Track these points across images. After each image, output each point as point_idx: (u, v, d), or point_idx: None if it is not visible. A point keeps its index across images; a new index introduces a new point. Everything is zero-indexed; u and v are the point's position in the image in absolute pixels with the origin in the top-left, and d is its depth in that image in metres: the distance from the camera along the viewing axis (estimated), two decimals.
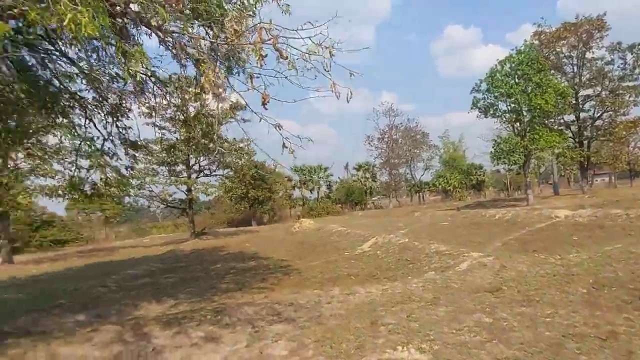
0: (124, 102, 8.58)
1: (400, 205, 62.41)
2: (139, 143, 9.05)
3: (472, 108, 29.18)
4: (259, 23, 4.02)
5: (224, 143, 31.18)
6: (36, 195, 27.97)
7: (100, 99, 8.17)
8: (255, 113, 4.48)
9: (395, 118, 62.72)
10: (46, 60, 8.05)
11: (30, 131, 12.58)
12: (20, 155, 25.16)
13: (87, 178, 8.44)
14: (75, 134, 8.37)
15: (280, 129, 4.55)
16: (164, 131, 30.09)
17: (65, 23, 3.11)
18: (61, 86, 8.43)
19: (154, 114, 26.08)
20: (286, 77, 4.36)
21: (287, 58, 4.14)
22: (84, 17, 3.09)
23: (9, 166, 24.64)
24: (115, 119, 8.39)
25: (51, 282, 17.51)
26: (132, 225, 56.80)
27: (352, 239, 19.97)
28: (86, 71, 7.40)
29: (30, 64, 8.71)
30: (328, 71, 4.24)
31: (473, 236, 15.94)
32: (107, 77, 7.71)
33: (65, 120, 8.92)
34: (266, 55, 4.12)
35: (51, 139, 9.73)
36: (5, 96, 7.00)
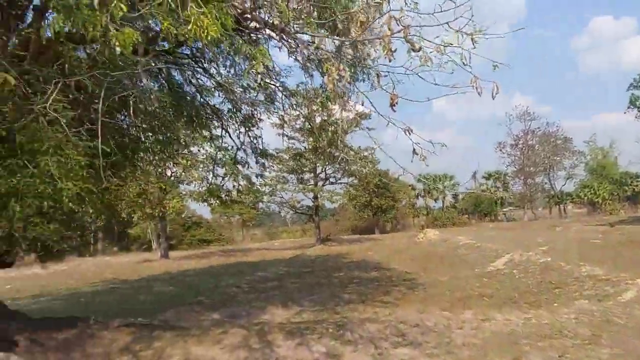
0: (255, 112, 8.84)
1: (536, 218, 56.21)
2: (269, 151, 9.21)
3: (629, 107, 24.84)
4: (389, 11, 3.53)
5: (349, 152, 31.39)
6: (186, 200, 31.46)
7: (235, 109, 8.49)
8: (382, 116, 4.02)
9: (531, 122, 56.80)
10: (191, 77, 8.66)
11: (182, 143, 13.80)
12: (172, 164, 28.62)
13: (223, 185, 8.83)
14: (213, 144, 8.82)
15: (410, 134, 3.99)
16: (293, 141, 31.27)
17: (189, 27, 3.02)
18: (203, 100, 8.99)
19: (284, 125, 27.02)
20: (417, 74, 3.80)
21: (419, 50, 3.57)
22: (207, 19, 2.97)
23: (165, 174, 28.01)
24: (247, 128, 8.66)
25: (196, 277, 19.22)
26: (265, 228, 60.51)
27: (482, 253, 18.24)
28: (222, 83, 7.71)
29: (178, 81, 9.49)
30: (467, 65, 3.57)
31: (637, 258, 13.24)
32: (240, 89, 7.98)
33: (205, 132, 9.51)
34: (395, 50, 3.61)
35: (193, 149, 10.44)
36: (157, 111, 7.59)
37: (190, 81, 8.78)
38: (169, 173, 27.89)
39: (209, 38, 3.07)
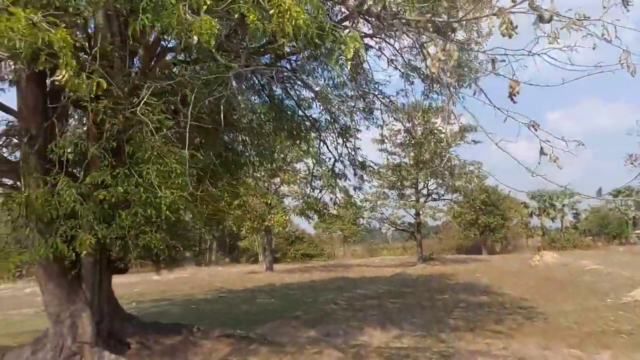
0: (353, 122, 8.51)
1: None
2: (367, 163, 8.75)
3: None
4: None
5: (453, 166, 29.62)
6: (289, 214, 32.25)
7: (332, 120, 8.23)
8: (499, 109, 3.33)
9: None
10: (289, 89, 8.63)
11: (283, 156, 13.95)
12: (277, 179, 29.42)
13: (320, 198, 8.58)
14: (311, 157, 8.64)
15: (536, 129, 3.22)
16: (394, 156, 30.45)
17: (273, 17, 2.74)
18: (302, 113, 8.89)
19: (384, 139, 26.19)
20: (537, 54, 3.03)
21: (550, 21, 2.83)
22: (296, 9, 2.66)
23: (269, 189, 28.98)
24: (345, 139, 8.32)
25: (298, 291, 19.29)
26: (365, 245, 59.78)
27: (614, 281, 15.60)
28: (319, 92, 7.51)
29: (279, 96, 9.54)
30: (610, 41, 2.75)
31: None
32: (337, 98, 7.72)
33: (304, 145, 9.40)
34: (516, 27, 2.92)
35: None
36: (258, 126, 7.60)
37: (289, 93, 8.76)
38: (271, 188, 28.97)
39: (295, 24, 2.75)
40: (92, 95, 5.13)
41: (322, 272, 29.47)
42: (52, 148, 4.98)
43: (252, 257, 48.91)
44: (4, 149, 6.76)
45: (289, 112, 8.92)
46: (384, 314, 11.37)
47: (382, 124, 8.59)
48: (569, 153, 3.13)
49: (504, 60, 3.33)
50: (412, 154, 30.38)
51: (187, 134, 4.00)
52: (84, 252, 5.13)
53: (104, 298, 7.00)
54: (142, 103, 4.35)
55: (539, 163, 3.28)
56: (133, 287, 22.02)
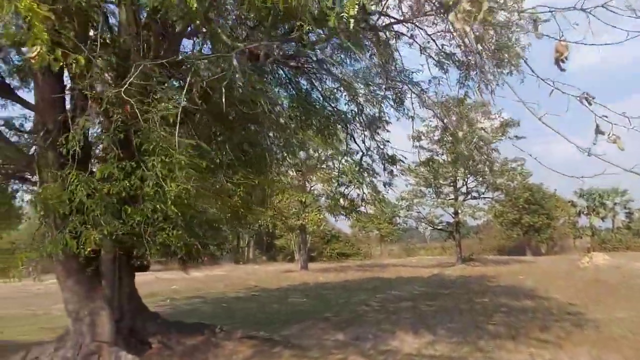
0: (382, 114, 7.97)
1: None
2: (397, 157, 8.18)
3: None
4: None
5: (494, 163, 28.27)
6: (324, 213, 31.86)
7: (359, 110, 7.73)
8: (541, 80, 2.77)
9: None
10: (314, 80, 8.21)
11: (316, 155, 13.49)
12: (314, 177, 29.05)
13: (347, 195, 8.11)
14: (338, 150, 8.17)
15: (590, 102, 2.63)
16: (430, 153, 29.41)
17: None
18: (328, 105, 8.43)
19: (422, 136, 25.30)
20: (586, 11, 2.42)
21: None
22: None
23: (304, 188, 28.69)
24: (373, 131, 7.80)
25: (331, 291, 18.87)
26: (403, 244, 58.59)
27: None
28: (344, 79, 7.04)
29: (304, 88, 9.13)
30: None
31: None
32: (365, 87, 7.23)
33: (334, 141, 8.95)
34: None
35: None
36: (277, 117, 7.24)
37: (314, 84, 8.33)
38: (306, 186, 28.54)
39: None
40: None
41: (357, 272, 28.93)
42: (62, 141, 4.81)
43: (288, 256, 49.02)
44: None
45: (316, 106, 8.52)
46: (418, 318, 10.75)
47: (413, 115, 8.00)
48: (635, 131, 2.51)
49: (549, 20, 2.76)
50: (449, 150, 29.25)
51: (188, 124, 3.67)
52: (89, 248, 4.93)
53: (125, 296, 6.83)
54: (151, 94, 4.06)
55: (594, 144, 2.68)
56: (171, 283, 22.34)
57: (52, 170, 5.06)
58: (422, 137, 27.81)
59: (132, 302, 7.41)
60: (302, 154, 10.36)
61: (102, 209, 4.61)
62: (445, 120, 8.06)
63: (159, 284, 21.37)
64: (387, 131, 8.54)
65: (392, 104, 8.10)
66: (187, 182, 4.22)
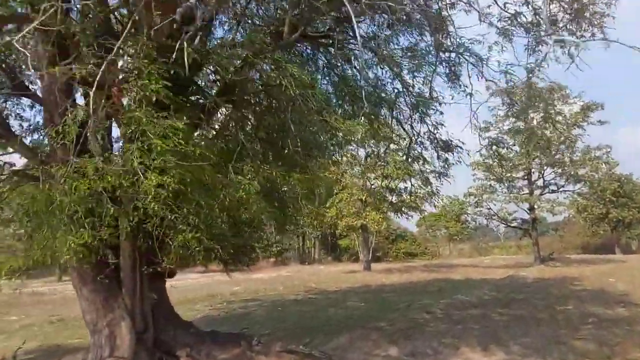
0: (433, 91, 6.75)
1: None
2: (453, 143, 6.90)
3: None
4: None
5: (574, 152, 25.19)
6: (386, 211, 30.37)
7: (404, 88, 6.58)
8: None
9: None
10: (351, 57, 7.19)
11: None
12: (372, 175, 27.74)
13: (395, 187, 7.00)
14: (382, 136, 7.07)
15: None
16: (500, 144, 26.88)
17: None
18: (369, 87, 7.36)
19: (490, 127, 23.12)
20: None
21: None
22: None
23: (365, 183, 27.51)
24: (421, 113, 6.60)
25: (392, 293, 17.61)
26: (474, 243, 55.24)
27: None
28: (386, 53, 5.96)
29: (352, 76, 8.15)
30: None
31: None
32: (409, 61, 6.10)
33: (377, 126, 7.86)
34: None
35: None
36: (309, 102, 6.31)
37: (352, 64, 7.30)
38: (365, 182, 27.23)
39: None
40: None
41: (422, 273, 27.22)
42: (52, 134, 4.26)
43: (353, 256, 48.05)
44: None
45: (363, 89, 7.50)
46: (487, 329, 9.28)
47: (471, 91, 6.69)
48: None
49: None
50: (523, 140, 26.49)
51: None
52: (66, 257, 4.30)
53: (149, 304, 6.25)
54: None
55: None
56: (233, 285, 22.34)
57: (44, 167, 4.52)
58: (490, 128, 25.46)
59: (162, 311, 6.87)
60: (360, 151, 9.36)
61: (80, 209, 3.96)
62: (511, 96, 6.66)
63: (221, 286, 21.39)
64: (440, 113, 7.31)
65: (446, 79, 6.85)
66: (170, 172, 3.43)
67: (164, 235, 5.60)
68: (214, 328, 11.00)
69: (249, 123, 7.34)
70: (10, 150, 5.41)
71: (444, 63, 6.85)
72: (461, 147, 7.11)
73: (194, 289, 20.39)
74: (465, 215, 35.25)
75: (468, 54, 6.34)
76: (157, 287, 6.71)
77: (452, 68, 6.86)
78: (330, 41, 6.80)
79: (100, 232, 4.24)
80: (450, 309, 12.13)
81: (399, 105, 6.95)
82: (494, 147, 8.77)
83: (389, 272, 28.60)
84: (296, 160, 7.24)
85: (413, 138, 6.86)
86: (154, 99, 3.55)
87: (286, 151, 6.84)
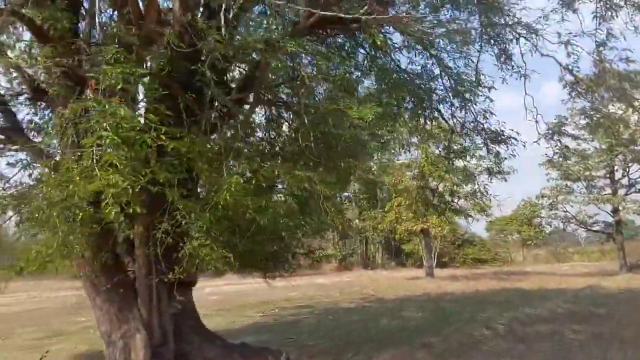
0: (479, 72, 5.74)
1: None
2: (505, 134, 5.83)
3: None
4: None
5: None
6: (451, 215, 28.54)
7: (442, 72, 5.67)
8: None
9: None
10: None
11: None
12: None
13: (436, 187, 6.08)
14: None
15: None
16: (578, 141, 24.20)
17: None
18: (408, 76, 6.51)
19: (564, 122, 20.84)
20: None
21: None
22: None
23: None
24: (462, 98, 5.63)
25: (454, 303, 16.26)
26: (550, 248, 50.80)
27: None
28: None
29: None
30: None
31: None
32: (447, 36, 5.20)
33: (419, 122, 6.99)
34: None
35: None
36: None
37: (389, 53, 6.50)
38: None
39: None
40: None
41: (491, 281, 25.13)
42: (44, 137, 4.00)
43: (418, 261, 46.21)
44: None
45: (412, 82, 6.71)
46: (556, 349, 7.93)
47: (524, 72, 5.60)
48: None
49: None
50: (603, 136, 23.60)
51: None
52: (32, 267, 3.95)
53: (168, 315, 5.89)
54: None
55: None
56: (291, 290, 22.06)
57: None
58: (565, 122, 22.91)
59: (187, 321, 6.50)
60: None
61: (57, 214, 3.59)
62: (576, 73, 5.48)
63: (277, 292, 21.15)
64: (490, 100, 6.26)
65: (495, 60, 5.82)
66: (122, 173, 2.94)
67: (177, 242, 5.23)
68: (260, 336, 10.66)
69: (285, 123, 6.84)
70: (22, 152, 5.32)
71: (491, 41, 5.84)
72: (515, 139, 6.02)
73: (248, 294, 20.36)
74: (539, 219, 32.26)
75: (519, 26, 5.30)
76: (182, 296, 6.34)
77: (502, 46, 5.82)
78: (359, 26, 6.08)
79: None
80: (515, 323, 10.71)
81: (437, 93, 6.03)
82: (556, 137, 7.42)
83: (453, 279, 26.84)
84: (335, 161, 6.63)
85: (455, 129, 5.90)
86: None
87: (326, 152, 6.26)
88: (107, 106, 3.02)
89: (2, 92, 5.51)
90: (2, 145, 5.17)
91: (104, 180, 3.05)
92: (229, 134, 5.82)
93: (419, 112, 6.73)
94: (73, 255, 4.29)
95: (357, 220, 45.42)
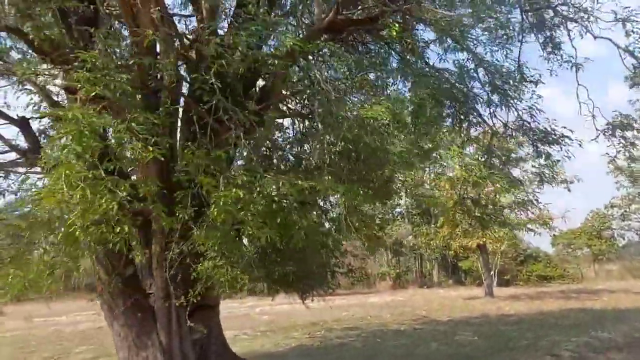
0: (522, 65, 4.98)
1: None
2: (556, 133, 5.04)
3: None
4: None
5: None
6: (510, 229, 26.54)
7: (477, 66, 5.03)
8: None
9: None
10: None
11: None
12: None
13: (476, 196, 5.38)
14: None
15: None
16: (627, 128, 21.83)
17: None
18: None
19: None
20: None
21: None
22: None
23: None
24: (505, 95, 4.94)
25: (513, 326, 14.82)
26: (625, 263, 46.09)
27: None
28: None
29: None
30: None
31: None
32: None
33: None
34: None
35: None
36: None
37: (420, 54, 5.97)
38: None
39: None
40: None
41: (557, 300, 22.90)
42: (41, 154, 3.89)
43: (477, 279, 43.61)
44: None
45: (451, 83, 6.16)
46: None
47: (574, 61, 4.82)
48: None
49: None
50: None
51: None
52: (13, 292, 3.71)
53: (189, 341, 5.58)
54: None
55: None
56: (343, 310, 21.41)
57: None
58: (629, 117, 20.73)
59: (212, 346, 6.17)
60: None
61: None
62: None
63: (328, 312, 20.53)
64: (537, 96, 5.47)
65: (541, 49, 5.10)
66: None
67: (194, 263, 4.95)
68: None
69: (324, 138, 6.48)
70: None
71: (534, 28, 5.13)
72: (569, 137, 5.16)
73: (298, 314, 19.91)
74: (611, 231, 29.34)
75: (566, 7, 4.57)
76: (205, 319, 6.04)
77: (548, 33, 5.09)
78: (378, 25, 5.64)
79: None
80: (584, 349, 9.41)
81: (473, 92, 5.37)
82: (618, 133, 6.34)
83: (515, 299, 24.81)
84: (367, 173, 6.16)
85: (495, 129, 5.20)
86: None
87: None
88: (71, 114, 2.81)
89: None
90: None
91: (64, 195, 2.81)
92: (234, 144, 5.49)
93: (460, 114, 6.11)
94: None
95: (410, 237, 43.93)
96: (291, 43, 4.66)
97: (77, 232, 3.52)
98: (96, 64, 3.10)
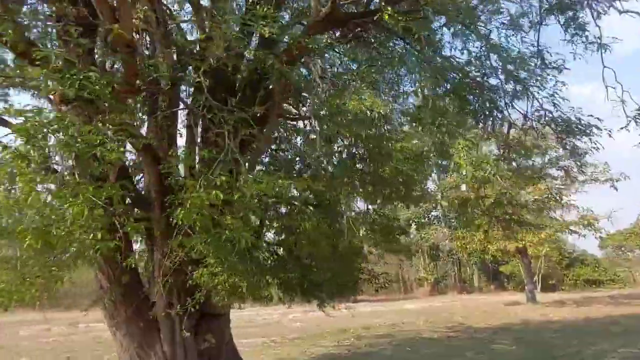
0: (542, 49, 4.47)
1: None
2: (582, 123, 4.48)
3: None
4: None
5: None
6: (553, 232, 25.02)
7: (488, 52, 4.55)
8: None
9: None
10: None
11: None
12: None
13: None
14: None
15: None
16: None
17: None
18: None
19: None
20: None
21: None
22: None
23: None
24: (519, 82, 4.43)
25: (556, 334, 13.77)
26: None
27: None
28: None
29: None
30: None
31: None
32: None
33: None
34: None
35: None
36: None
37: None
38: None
39: None
40: None
41: (605, 307, 21.26)
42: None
43: (520, 284, 41.58)
44: None
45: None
46: None
47: (600, 42, 4.24)
48: None
49: None
50: None
51: None
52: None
53: (194, 352, 5.35)
54: None
55: None
56: (376, 317, 20.83)
57: None
58: None
59: (222, 356, 5.92)
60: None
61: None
62: None
63: (359, 319, 20.00)
64: (562, 83, 4.89)
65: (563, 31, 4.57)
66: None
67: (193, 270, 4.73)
68: None
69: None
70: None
71: (554, 9, 4.61)
72: (598, 127, 4.55)
73: (330, 321, 19.50)
74: None
75: None
76: (211, 329, 5.80)
77: (570, 13, 4.55)
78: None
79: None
80: None
81: (487, 81, 4.87)
82: None
83: (559, 305, 23.29)
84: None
85: (511, 121, 4.67)
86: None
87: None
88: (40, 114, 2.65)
89: None
90: None
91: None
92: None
93: (483, 109, 5.62)
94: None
95: (446, 241, 42.59)
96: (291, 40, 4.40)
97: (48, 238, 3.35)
98: (64, 61, 2.95)
